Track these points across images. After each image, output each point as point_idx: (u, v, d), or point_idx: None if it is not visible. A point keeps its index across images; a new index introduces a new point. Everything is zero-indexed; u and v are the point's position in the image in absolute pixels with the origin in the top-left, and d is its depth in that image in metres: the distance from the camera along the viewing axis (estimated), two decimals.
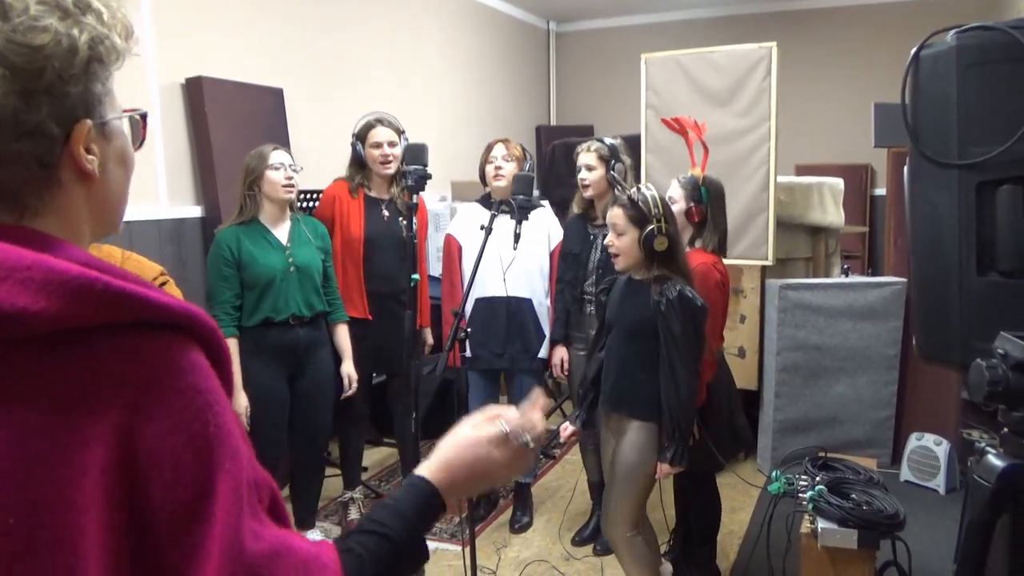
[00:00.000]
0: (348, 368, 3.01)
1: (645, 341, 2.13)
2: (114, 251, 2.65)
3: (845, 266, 4.37)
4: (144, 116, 0.75)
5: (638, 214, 2.12)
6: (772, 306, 3.72)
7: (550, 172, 5.20)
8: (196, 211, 3.61)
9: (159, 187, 3.45)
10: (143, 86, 3.34)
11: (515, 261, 2.91)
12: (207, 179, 3.58)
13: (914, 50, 1.25)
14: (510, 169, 3.06)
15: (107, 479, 0.58)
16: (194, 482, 0.61)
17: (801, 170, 6.07)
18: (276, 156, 2.75)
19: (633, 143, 3.84)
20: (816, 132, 6.32)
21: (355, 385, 3.02)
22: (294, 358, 2.83)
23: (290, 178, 2.76)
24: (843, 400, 3.71)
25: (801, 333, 3.68)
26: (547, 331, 3.14)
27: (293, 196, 2.82)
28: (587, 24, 7.26)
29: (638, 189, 2.17)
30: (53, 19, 0.61)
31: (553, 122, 7.38)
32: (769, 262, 3.62)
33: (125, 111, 0.72)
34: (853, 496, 1.90)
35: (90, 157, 0.66)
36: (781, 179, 3.83)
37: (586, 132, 6.87)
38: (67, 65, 0.62)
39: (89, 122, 0.65)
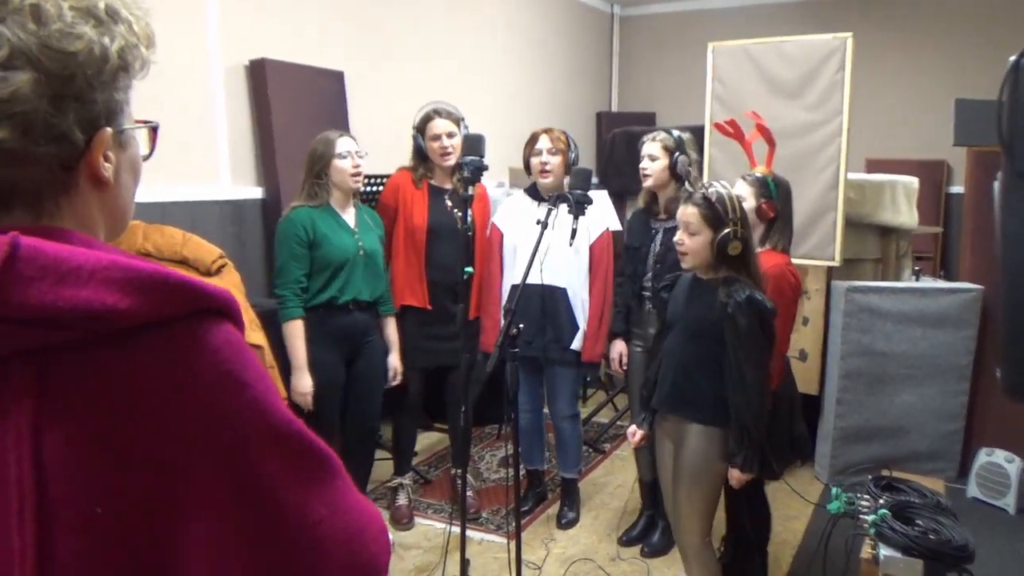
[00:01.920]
0: (394, 360, 3.02)
1: (708, 343, 2.06)
2: (175, 232, 2.70)
3: (916, 268, 4.18)
4: (156, 128, 0.76)
5: (713, 215, 2.04)
6: (837, 309, 3.58)
7: (609, 161, 5.10)
8: (257, 193, 3.65)
9: (221, 168, 3.49)
10: (208, 68, 3.38)
11: (552, 250, 2.87)
12: (268, 161, 3.61)
13: (1013, 58, 1.14)
14: (556, 163, 3.01)
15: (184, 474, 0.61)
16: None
17: (872, 165, 5.83)
18: (343, 144, 2.74)
19: (696, 134, 3.73)
20: (889, 125, 6.05)
21: (399, 378, 3.03)
22: (352, 342, 2.85)
23: (357, 166, 2.76)
24: (909, 410, 3.56)
25: (867, 338, 3.53)
26: (581, 323, 3.09)
27: (361, 186, 2.83)
28: (652, 8, 7.08)
29: (712, 186, 2.09)
30: (87, 27, 0.62)
31: (614, 108, 7.24)
32: (836, 263, 3.47)
33: (138, 122, 0.73)
34: (919, 523, 1.80)
35: (106, 164, 0.67)
36: (852, 176, 3.67)
37: (648, 120, 6.73)
38: (97, 73, 0.63)
39: (110, 130, 0.66)
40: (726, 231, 2.00)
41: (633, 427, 2.41)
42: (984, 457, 3.38)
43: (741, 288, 2.00)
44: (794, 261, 3.32)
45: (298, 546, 0.65)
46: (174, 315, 0.61)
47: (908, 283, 3.75)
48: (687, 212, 2.10)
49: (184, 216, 3.20)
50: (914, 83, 6.05)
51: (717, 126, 2.81)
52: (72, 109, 0.62)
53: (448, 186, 3.14)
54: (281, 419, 0.66)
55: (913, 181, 3.87)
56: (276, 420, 0.65)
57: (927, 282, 3.87)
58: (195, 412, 0.61)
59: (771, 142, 2.59)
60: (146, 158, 0.76)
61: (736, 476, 2.07)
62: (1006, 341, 1.23)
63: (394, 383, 3.03)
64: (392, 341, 3.02)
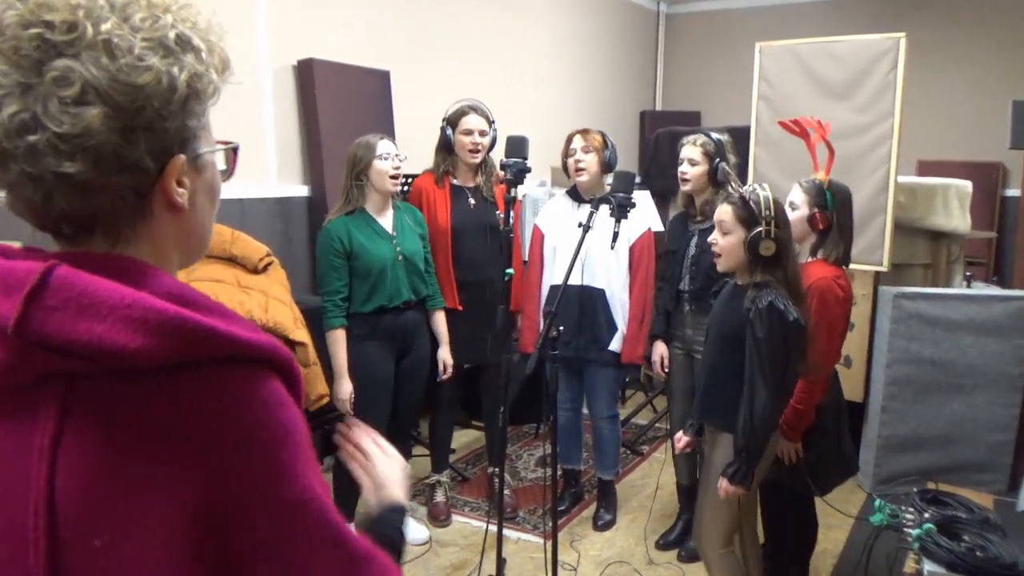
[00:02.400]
0: (444, 354, 3.06)
1: (736, 350, 2.02)
2: (224, 230, 2.77)
3: (967, 273, 4.06)
4: (236, 149, 0.77)
5: (747, 214, 2.01)
6: (884, 315, 3.50)
7: (652, 161, 5.06)
8: (303, 191, 3.72)
9: (269, 166, 3.56)
10: (256, 68, 3.45)
11: (592, 251, 2.86)
12: (314, 159, 3.67)
13: None
14: (590, 161, 3.01)
15: (189, 517, 0.61)
16: (276, 510, 0.64)
17: (924, 167, 5.68)
18: (383, 146, 2.77)
19: (742, 134, 3.68)
20: (943, 126, 5.88)
21: (450, 370, 3.07)
22: (403, 341, 2.91)
23: (397, 168, 2.79)
24: (957, 420, 3.47)
25: (915, 345, 3.45)
26: (620, 324, 3.08)
27: (399, 188, 2.86)
28: (700, 6, 6.99)
29: (752, 188, 2.06)
30: (156, 58, 0.63)
31: (658, 107, 7.18)
32: (884, 268, 3.40)
33: (218, 143, 0.73)
34: (966, 539, 1.75)
35: (180, 190, 0.68)
36: (902, 179, 3.59)
37: (693, 119, 6.65)
38: (166, 103, 0.64)
39: (183, 157, 0.67)
40: (758, 230, 1.97)
41: (679, 433, 2.39)
42: None
43: (767, 294, 1.95)
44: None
45: None
46: (195, 359, 0.61)
47: (959, 289, 3.65)
48: (722, 211, 2.08)
49: (233, 213, 3.28)
50: (969, 83, 5.87)
51: (783, 124, 2.75)
52: (142, 139, 0.63)
53: (471, 184, 3.15)
54: (291, 487, 0.64)
55: (966, 185, 3.76)
56: (285, 487, 0.64)
57: (979, 288, 3.76)
58: (203, 459, 0.61)
59: (831, 149, 2.52)
60: (227, 178, 0.77)
61: (723, 487, 2.03)
62: None
63: (444, 376, 3.07)
64: (441, 334, 3.06)
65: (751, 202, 2.01)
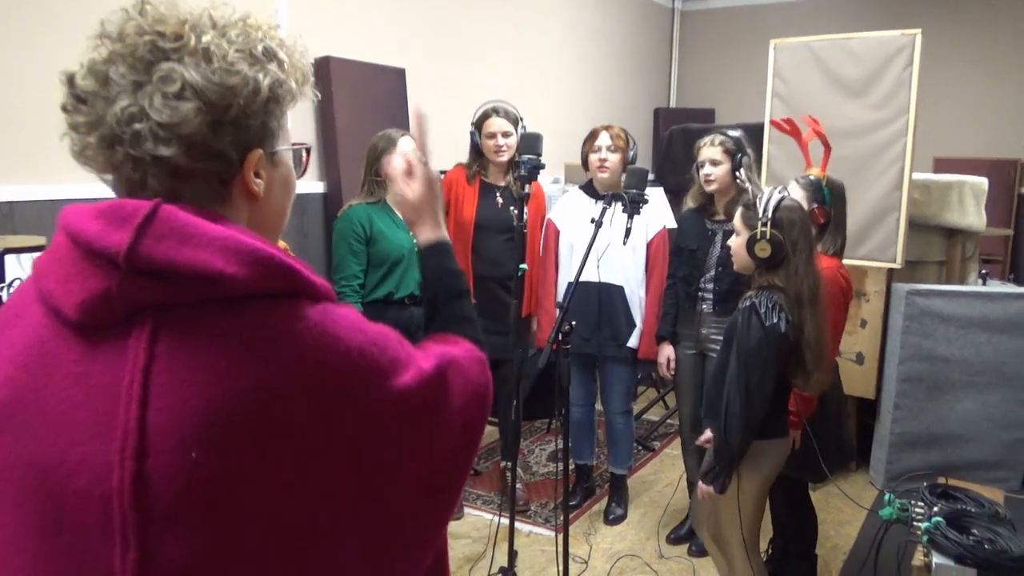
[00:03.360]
0: None
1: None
2: None
3: (983, 271, 4.04)
4: (308, 150, 0.89)
5: (750, 216, 2.05)
6: (897, 312, 3.50)
7: (666, 158, 5.08)
8: (319, 187, 3.76)
9: None
10: None
11: (610, 248, 2.87)
12: (330, 156, 3.71)
13: None
14: (614, 160, 3.02)
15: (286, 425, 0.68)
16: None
17: (940, 164, 5.66)
18: (404, 143, 2.81)
19: (756, 132, 3.69)
20: (959, 123, 5.85)
21: None
22: (408, 336, 2.91)
23: None
24: (970, 417, 3.46)
25: (928, 342, 3.44)
26: (638, 320, 3.09)
27: None
28: (715, 2, 6.99)
29: (768, 190, 2.08)
30: (245, 65, 0.73)
31: (673, 104, 7.18)
32: (897, 265, 3.40)
33: (293, 144, 0.84)
34: (975, 532, 1.76)
35: (258, 181, 0.78)
36: (917, 176, 3.58)
37: (707, 116, 6.65)
38: (249, 103, 0.73)
39: (261, 151, 0.77)
40: (753, 232, 2.00)
41: (707, 430, 2.41)
42: None
43: (754, 297, 1.98)
44: (854, 262, 3.28)
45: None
46: (277, 290, 0.69)
47: (973, 287, 3.64)
48: (735, 214, 2.13)
49: None
50: (986, 80, 5.83)
51: (774, 123, 2.78)
52: (228, 132, 0.73)
53: (501, 183, 3.19)
54: (390, 393, 0.74)
55: (982, 182, 3.75)
56: (385, 394, 0.73)
57: (995, 286, 3.75)
58: (293, 369, 0.68)
59: (827, 145, 2.55)
60: (300, 175, 0.87)
61: (701, 489, 2.06)
62: None
63: None
64: None
65: (754, 204, 2.05)
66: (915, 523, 1.84)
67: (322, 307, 0.72)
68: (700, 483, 2.08)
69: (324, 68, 3.62)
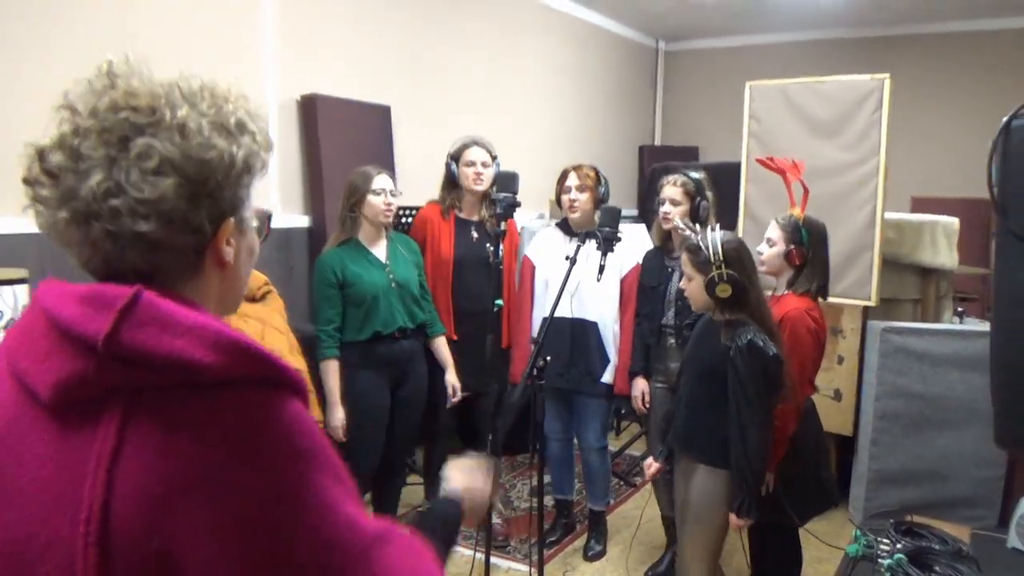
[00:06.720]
0: (452, 378, 3.13)
1: (714, 384, 2.09)
2: None
3: (960, 309, 4.10)
4: (270, 216, 0.90)
5: (701, 260, 2.11)
6: (872, 349, 3.55)
7: (648, 195, 5.15)
8: (304, 221, 3.81)
9: (271, 197, 3.66)
10: (262, 103, 3.56)
11: (583, 284, 2.92)
12: (316, 191, 3.77)
13: (1005, 119, 1.18)
14: (583, 200, 3.08)
15: (235, 519, 0.67)
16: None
17: (918, 203, 5.76)
18: (379, 181, 2.86)
19: (736, 170, 3.77)
20: (936, 163, 5.98)
21: (459, 394, 3.13)
22: (398, 369, 2.96)
23: (389, 204, 2.88)
24: (947, 454, 3.49)
25: (903, 380, 3.49)
26: (612, 356, 3.13)
27: (390, 221, 2.94)
28: (698, 43, 7.15)
29: (705, 232, 2.14)
30: (221, 139, 0.75)
31: (657, 142, 7.30)
32: (872, 303, 3.46)
33: (257, 210, 0.85)
34: (936, 569, 1.79)
35: (228, 249, 0.80)
36: (890, 216, 3.66)
37: (691, 154, 6.77)
38: (225, 176, 0.76)
39: (232, 220, 0.79)
40: (712, 275, 2.05)
41: (650, 459, 2.45)
42: None
43: (745, 332, 2.03)
44: (831, 299, 3.32)
45: None
46: (249, 378, 0.70)
47: (946, 325, 3.70)
48: (683, 259, 2.19)
49: None
50: (958, 121, 5.99)
51: (759, 161, 2.84)
52: (205, 205, 0.74)
53: (475, 218, 3.24)
54: (324, 499, 0.70)
55: (953, 221, 3.83)
56: (319, 499, 0.70)
57: (969, 324, 3.80)
58: (255, 465, 0.68)
59: (805, 188, 2.61)
60: (263, 240, 0.88)
61: (733, 522, 2.11)
62: (999, 395, 1.25)
63: (454, 400, 3.15)
64: (446, 360, 3.13)
65: (700, 248, 2.10)
66: (879, 560, 1.87)
67: (293, 407, 0.72)
68: (732, 517, 2.12)
69: (310, 105, 3.69)
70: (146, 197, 0.70)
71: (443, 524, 1.06)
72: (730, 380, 2.03)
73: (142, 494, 0.65)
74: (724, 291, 2.03)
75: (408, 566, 0.75)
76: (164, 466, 0.66)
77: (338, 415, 2.84)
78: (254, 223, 0.85)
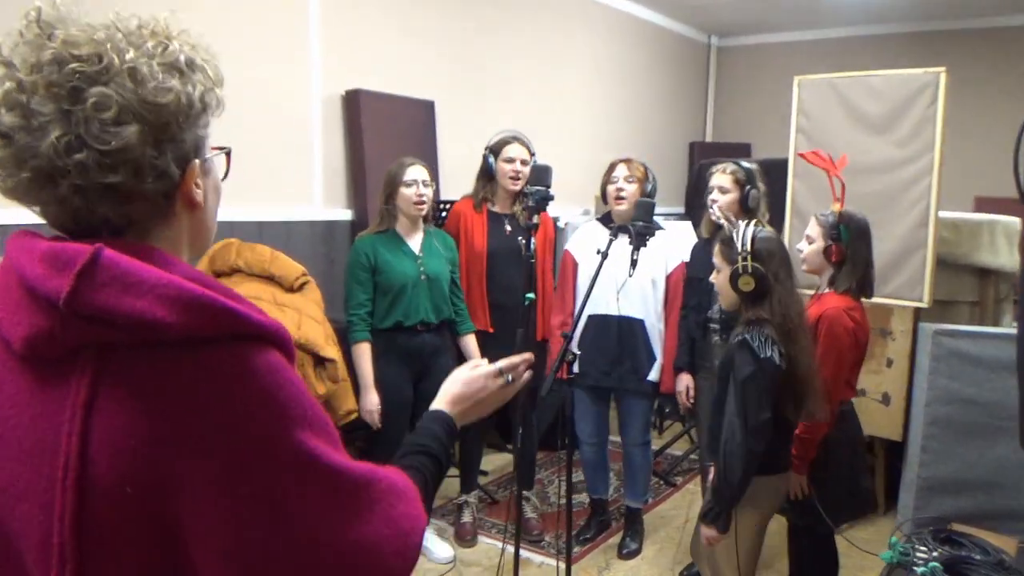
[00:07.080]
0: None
1: (727, 386, 2.02)
2: (264, 251, 2.91)
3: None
4: (229, 152, 0.87)
5: (729, 251, 2.04)
6: (924, 352, 3.41)
7: (696, 191, 5.06)
8: (347, 215, 3.87)
9: (315, 190, 3.72)
10: (307, 98, 3.63)
11: (629, 281, 2.89)
12: (358, 185, 3.82)
13: None
14: (631, 191, 3.04)
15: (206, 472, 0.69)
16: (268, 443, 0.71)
17: (982, 203, 5.52)
18: (411, 172, 2.87)
19: (784, 167, 3.67)
20: (1000, 162, 5.71)
21: None
22: (420, 362, 2.97)
23: (420, 196, 2.88)
24: (1001, 464, 3.33)
25: (956, 385, 3.34)
26: (658, 354, 3.08)
27: (423, 214, 2.94)
28: (750, 39, 7.00)
29: (739, 225, 2.08)
30: (175, 80, 0.73)
31: (708, 139, 7.17)
32: (924, 304, 3.33)
33: (213, 148, 0.84)
34: None
35: (197, 191, 0.79)
36: (947, 215, 3.51)
37: (742, 151, 6.62)
38: (184, 117, 0.74)
39: (198, 161, 0.78)
40: (735, 267, 1.99)
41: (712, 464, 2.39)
42: None
43: (745, 331, 1.96)
44: (877, 300, 3.21)
45: (288, 557, 0.70)
46: (217, 335, 0.69)
47: (1001, 328, 3.53)
48: (715, 249, 2.12)
49: (279, 235, 3.43)
50: (1019, 117, 5.72)
51: (802, 155, 2.76)
52: (169, 150, 0.74)
53: (508, 211, 3.24)
54: (302, 447, 0.71)
55: (1014, 221, 3.65)
56: (297, 446, 0.71)
57: None
58: (223, 422, 0.68)
59: (842, 182, 2.52)
60: (224, 178, 0.87)
61: (703, 532, 2.02)
62: (1021, 398, 1.19)
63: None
64: (474, 355, 3.13)
65: (731, 239, 2.04)
66: (914, 568, 1.80)
67: (267, 359, 0.71)
68: (702, 528, 2.05)
69: (354, 100, 3.74)
70: (111, 148, 0.69)
71: (427, 448, 1.01)
72: (729, 381, 1.98)
73: (115, 447, 0.67)
74: (747, 284, 1.96)
75: (399, 513, 0.78)
76: (135, 423, 0.67)
77: (372, 399, 2.85)
78: (216, 162, 0.84)
